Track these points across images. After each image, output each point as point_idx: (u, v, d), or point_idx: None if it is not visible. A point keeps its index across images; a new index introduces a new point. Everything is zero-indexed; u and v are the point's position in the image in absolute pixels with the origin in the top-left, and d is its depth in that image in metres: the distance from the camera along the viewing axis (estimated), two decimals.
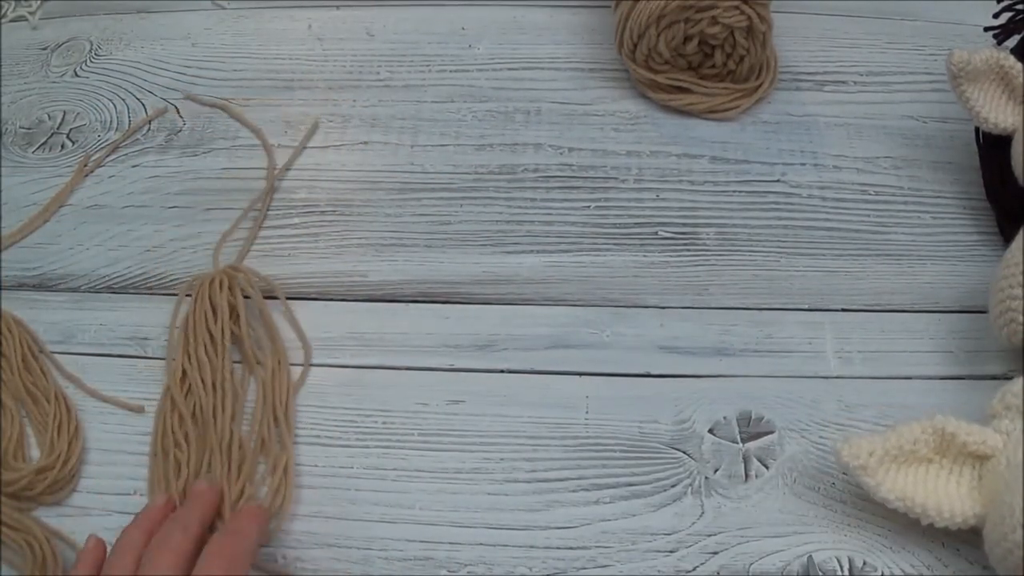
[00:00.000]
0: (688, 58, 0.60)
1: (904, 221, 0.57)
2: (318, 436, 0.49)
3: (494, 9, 0.68)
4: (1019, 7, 0.55)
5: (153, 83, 0.65)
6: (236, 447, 0.47)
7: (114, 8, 0.70)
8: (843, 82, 0.63)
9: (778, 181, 0.58)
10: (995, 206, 0.56)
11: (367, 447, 0.48)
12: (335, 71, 0.65)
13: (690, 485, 0.46)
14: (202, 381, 0.49)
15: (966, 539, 0.43)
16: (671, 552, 0.44)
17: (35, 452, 0.49)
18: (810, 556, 0.44)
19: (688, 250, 0.56)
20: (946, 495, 0.42)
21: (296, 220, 0.58)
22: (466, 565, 0.44)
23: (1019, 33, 0.55)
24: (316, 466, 0.48)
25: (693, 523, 0.45)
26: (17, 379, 0.50)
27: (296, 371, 0.51)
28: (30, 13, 0.70)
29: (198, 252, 0.56)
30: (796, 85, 0.63)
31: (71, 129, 0.63)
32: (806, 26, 0.66)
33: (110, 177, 0.60)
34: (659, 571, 0.44)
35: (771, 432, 0.48)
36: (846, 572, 0.43)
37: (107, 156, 0.61)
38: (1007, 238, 0.54)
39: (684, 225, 0.57)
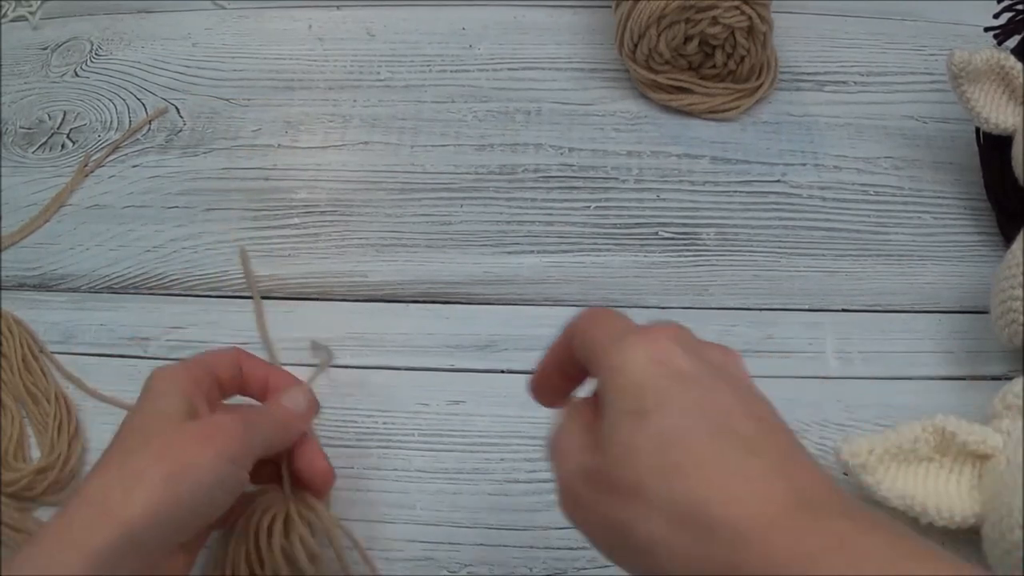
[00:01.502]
0: (688, 58, 0.60)
1: (904, 221, 0.57)
2: (318, 436, 0.49)
3: (494, 9, 0.68)
4: (1019, 7, 0.55)
5: (153, 83, 0.65)
6: None
7: (114, 8, 0.70)
8: (843, 82, 0.63)
9: (778, 181, 0.58)
10: (995, 206, 0.56)
11: (367, 447, 0.48)
12: (335, 71, 0.65)
13: None
14: None
15: (966, 539, 0.43)
16: None
17: (35, 452, 0.49)
18: None
19: (689, 250, 0.56)
20: (946, 494, 0.42)
21: (296, 220, 0.58)
22: (466, 565, 0.44)
23: (1019, 33, 0.55)
24: None
25: None
26: (17, 379, 0.50)
27: None
28: (30, 13, 0.70)
29: (198, 252, 0.56)
30: (796, 85, 0.63)
31: (71, 129, 0.63)
32: (806, 26, 0.66)
33: (110, 177, 0.60)
34: None
35: None
36: None
37: (107, 156, 0.61)
38: (1007, 238, 0.54)
39: (684, 225, 0.57)
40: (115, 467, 0.36)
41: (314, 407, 0.44)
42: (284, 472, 0.42)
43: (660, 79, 0.61)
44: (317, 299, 0.54)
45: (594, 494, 0.30)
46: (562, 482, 0.32)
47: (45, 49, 0.68)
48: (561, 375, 0.36)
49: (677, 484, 0.28)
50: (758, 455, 0.28)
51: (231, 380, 0.43)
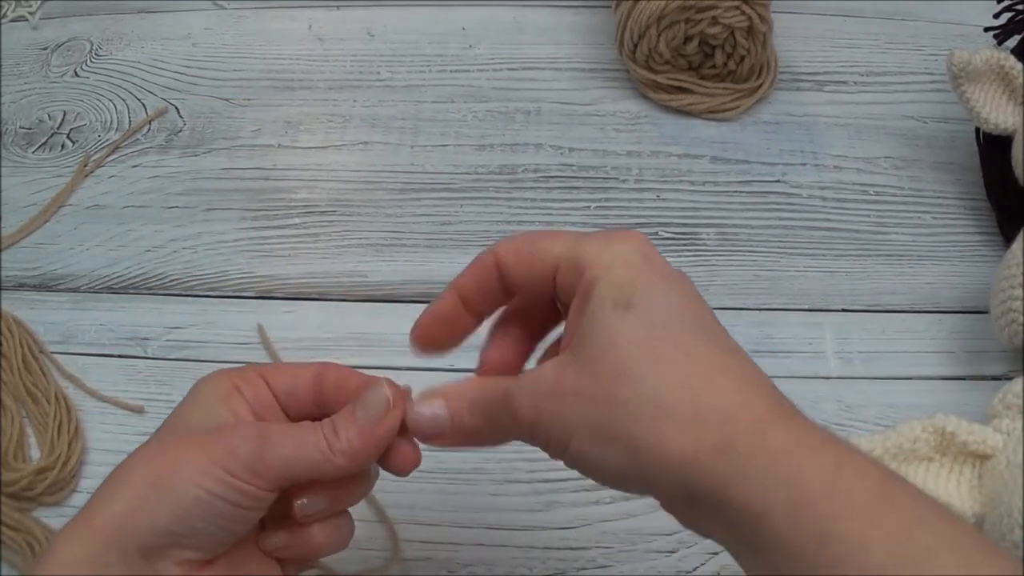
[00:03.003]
0: (688, 58, 0.60)
1: (904, 221, 0.57)
2: None
3: (494, 9, 0.68)
4: (1019, 7, 0.55)
5: (153, 83, 0.65)
6: None
7: (114, 8, 0.70)
8: (843, 82, 0.63)
9: (778, 181, 0.59)
10: (995, 206, 0.56)
11: None
12: (335, 71, 0.65)
13: None
14: None
15: None
16: (671, 552, 0.44)
17: (35, 452, 0.49)
18: None
19: (688, 250, 0.55)
20: (946, 494, 0.42)
21: (296, 220, 0.58)
22: (466, 566, 0.44)
23: (1019, 33, 0.55)
24: None
25: None
26: (17, 379, 0.50)
27: None
28: (30, 13, 0.70)
29: (198, 252, 0.56)
30: (796, 85, 0.63)
31: (71, 129, 0.63)
32: (806, 26, 0.66)
33: (110, 177, 0.60)
34: (659, 572, 0.44)
35: None
36: None
37: (107, 156, 0.61)
38: (1007, 238, 0.54)
39: (685, 225, 0.57)
40: (110, 476, 0.33)
41: (395, 412, 0.33)
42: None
43: (660, 79, 0.61)
44: (317, 299, 0.54)
45: (574, 386, 0.30)
46: (535, 379, 0.31)
47: (45, 49, 0.68)
48: (477, 306, 0.35)
49: (666, 370, 0.29)
50: (734, 356, 0.30)
51: (301, 396, 0.35)
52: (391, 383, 0.34)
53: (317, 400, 0.35)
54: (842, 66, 0.64)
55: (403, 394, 0.34)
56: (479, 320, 0.35)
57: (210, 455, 0.31)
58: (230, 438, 0.32)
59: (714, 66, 0.60)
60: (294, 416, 0.35)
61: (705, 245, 0.56)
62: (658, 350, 0.29)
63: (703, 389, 0.28)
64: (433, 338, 0.35)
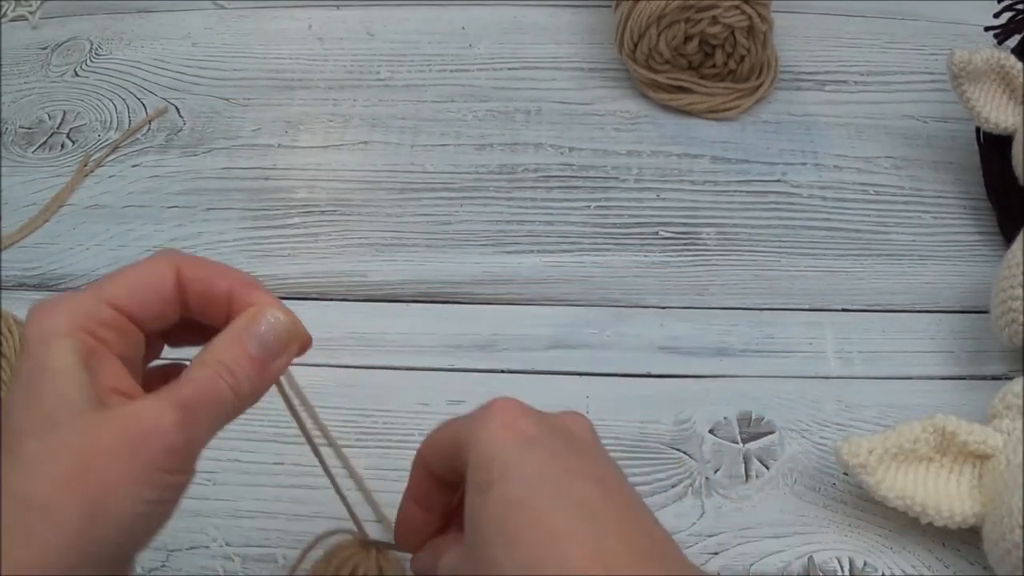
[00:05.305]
0: (688, 58, 0.60)
1: (905, 221, 0.57)
2: (319, 436, 0.49)
3: (494, 9, 0.68)
4: (1019, 7, 0.55)
5: (153, 83, 0.65)
6: None
7: (114, 8, 0.70)
8: (843, 82, 0.63)
9: (779, 181, 0.59)
10: (995, 206, 0.56)
11: (367, 447, 0.48)
12: (335, 71, 0.65)
13: (690, 485, 0.46)
14: None
15: (966, 539, 0.43)
16: None
17: None
18: (810, 557, 0.44)
19: (689, 250, 0.56)
20: (946, 494, 0.42)
21: (296, 220, 0.58)
22: None
23: (1019, 33, 0.55)
24: (316, 466, 0.47)
25: (693, 523, 0.45)
26: None
27: None
28: (30, 13, 0.70)
29: (198, 252, 0.56)
30: (797, 85, 0.63)
31: (71, 129, 0.63)
32: (806, 26, 0.66)
33: (110, 177, 0.60)
34: None
35: (771, 432, 0.48)
36: (846, 572, 0.43)
37: (107, 156, 0.61)
38: (1007, 238, 0.54)
39: (685, 225, 0.57)
40: (14, 497, 0.27)
41: (293, 343, 0.32)
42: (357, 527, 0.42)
43: (660, 79, 0.61)
44: (317, 299, 0.54)
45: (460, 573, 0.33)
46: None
47: (45, 49, 0.68)
48: (428, 502, 0.37)
49: (519, 552, 0.29)
50: (594, 518, 0.30)
51: (164, 310, 0.32)
52: (277, 305, 0.32)
53: (181, 305, 0.32)
54: (842, 66, 0.64)
55: (299, 328, 0.32)
56: (439, 514, 0.37)
57: (145, 460, 0.28)
58: (157, 432, 0.28)
59: (714, 66, 0.60)
60: (153, 321, 0.32)
61: (705, 245, 0.56)
62: (511, 530, 0.30)
63: (550, 564, 0.29)
64: (416, 542, 0.38)
